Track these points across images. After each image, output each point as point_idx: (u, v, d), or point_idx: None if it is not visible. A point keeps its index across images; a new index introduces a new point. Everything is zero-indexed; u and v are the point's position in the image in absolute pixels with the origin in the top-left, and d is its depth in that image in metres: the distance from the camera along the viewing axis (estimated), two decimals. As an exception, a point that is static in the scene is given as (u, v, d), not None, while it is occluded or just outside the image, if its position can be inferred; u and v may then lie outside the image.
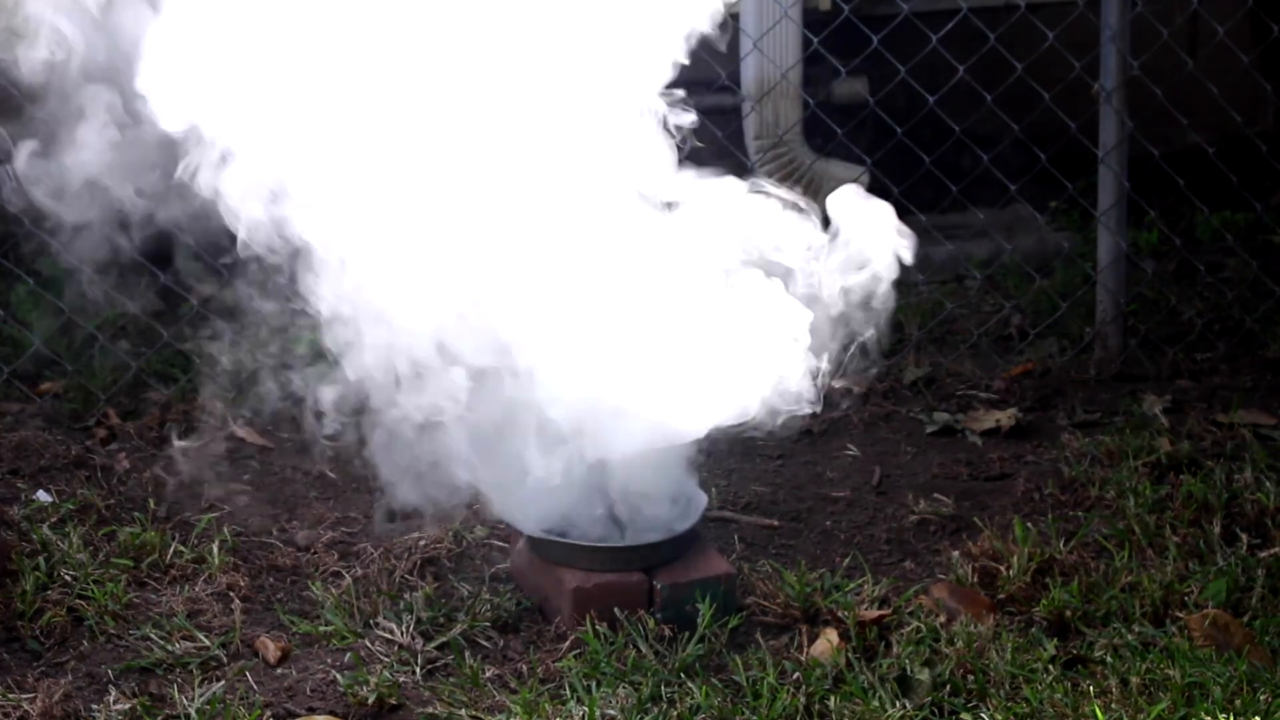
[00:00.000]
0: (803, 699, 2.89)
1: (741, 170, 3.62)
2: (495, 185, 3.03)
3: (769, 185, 3.17)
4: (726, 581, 3.19)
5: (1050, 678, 2.94)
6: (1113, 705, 2.86)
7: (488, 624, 3.16)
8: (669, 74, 3.08)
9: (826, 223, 3.19)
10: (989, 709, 2.87)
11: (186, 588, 3.26)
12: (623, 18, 3.04)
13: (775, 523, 3.69)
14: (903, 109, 4.68)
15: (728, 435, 3.36)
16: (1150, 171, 4.65)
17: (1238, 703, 2.84)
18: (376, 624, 3.14)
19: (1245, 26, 5.16)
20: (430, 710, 2.89)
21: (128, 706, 2.86)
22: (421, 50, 2.99)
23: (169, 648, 3.05)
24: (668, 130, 3.09)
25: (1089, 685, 2.92)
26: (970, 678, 2.96)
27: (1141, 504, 3.61)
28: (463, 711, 2.89)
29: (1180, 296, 4.80)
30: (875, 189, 3.34)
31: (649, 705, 2.88)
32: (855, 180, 3.92)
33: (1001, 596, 3.28)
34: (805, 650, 3.09)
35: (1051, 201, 5.32)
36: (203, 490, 3.73)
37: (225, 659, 3.03)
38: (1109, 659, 3.01)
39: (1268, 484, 3.67)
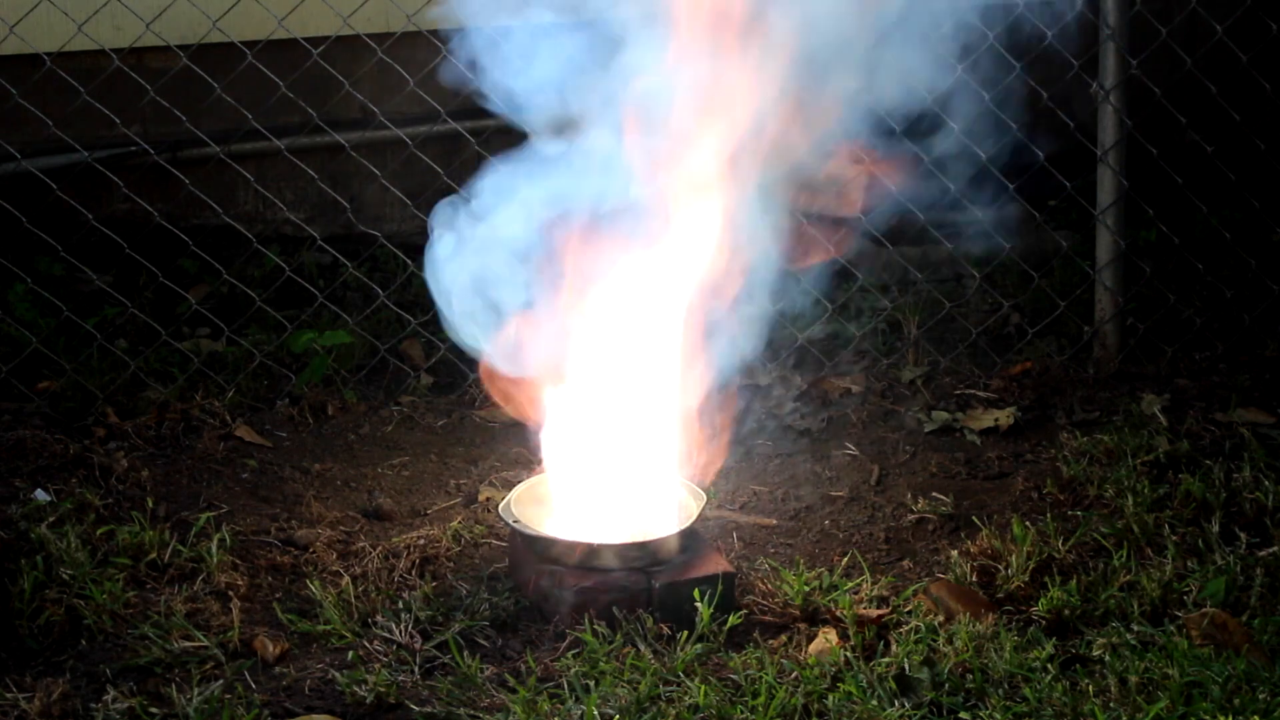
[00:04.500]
0: (801, 698, 2.89)
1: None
2: None
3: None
4: (725, 580, 3.19)
5: (1049, 677, 2.94)
6: (1111, 704, 2.86)
7: (486, 623, 3.16)
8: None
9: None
10: (988, 708, 2.87)
11: (185, 587, 3.26)
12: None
13: (774, 522, 3.69)
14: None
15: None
16: (1149, 169, 4.66)
17: (1236, 701, 2.84)
18: (375, 623, 3.14)
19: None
20: (429, 709, 2.89)
21: (126, 706, 2.86)
22: None
23: (167, 647, 3.04)
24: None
25: (1088, 684, 2.92)
26: (969, 677, 2.96)
27: (1140, 503, 3.61)
28: (461, 710, 2.88)
29: (1179, 295, 4.80)
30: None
31: (647, 704, 2.88)
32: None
33: (1000, 595, 3.28)
34: (804, 649, 3.09)
35: (1050, 200, 5.32)
36: (201, 489, 3.73)
37: (224, 658, 3.03)
38: (1108, 658, 3.01)
39: (1266, 483, 3.67)
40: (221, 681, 2.94)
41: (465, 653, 3.04)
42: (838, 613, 3.18)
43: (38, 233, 4.05)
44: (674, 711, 2.86)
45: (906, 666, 2.97)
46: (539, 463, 3.47)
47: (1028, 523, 3.52)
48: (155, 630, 3.10)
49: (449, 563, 3.41)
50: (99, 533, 3.41)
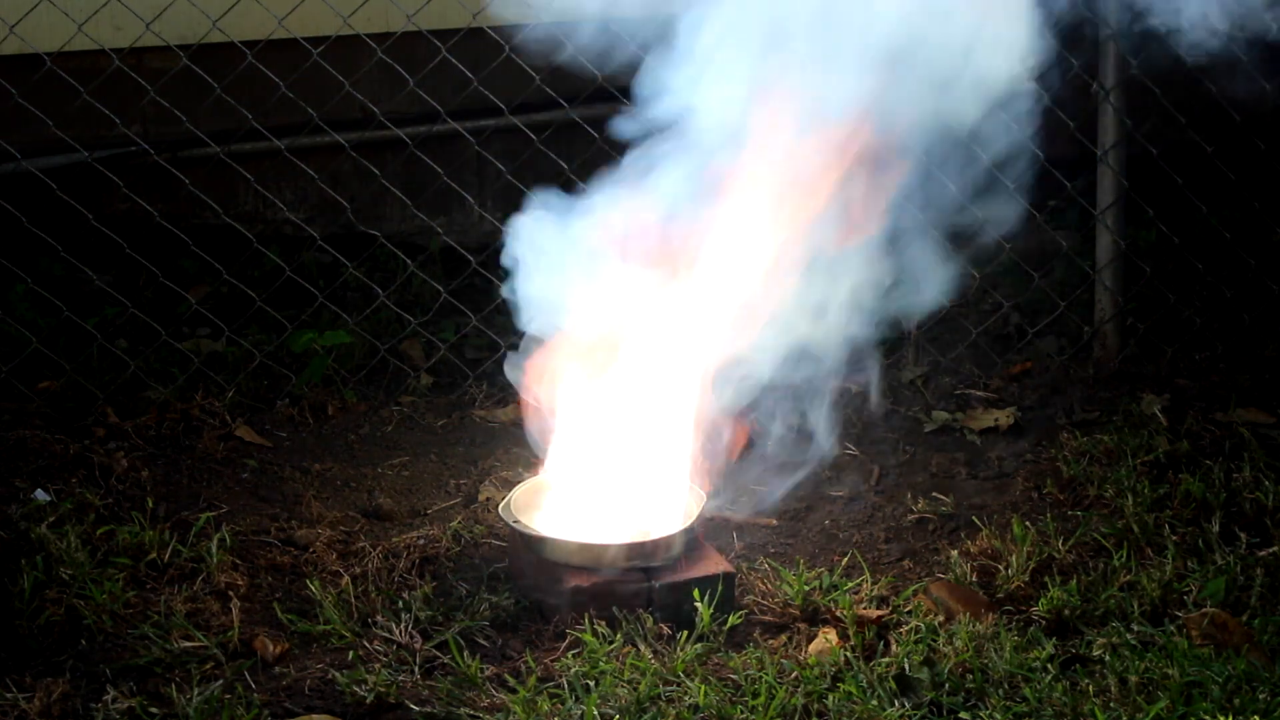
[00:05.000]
0: (801, 698, 2.89)
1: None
2: None
3: None
4: (725, 580, 3.19)
5: (1049, 677, 2.94)
6: (1111, 704, 2.86)
7: (486, 623, 3.16)
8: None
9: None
10: (988, 708, 2.87)
11: (185, 587, 3.26)
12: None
13: (774, 521, 3.69)
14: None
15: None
16: (1149, 169, 4.66)
17: (1236, 701, 2.84)
18: (375, 623, 3.14)
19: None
20: (428, 709, 2.89)
21: (126, 706, 2.86)
22: None
23: (167, 647, 3.04)
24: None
25: (1088, 684, 2.92)
26: (969, 677, 2.96)
27: (1140, 503, 3.61)
28: (461, 710, 2.88)
29: (1179, 295, 4.80)
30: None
31: (647, 704, 2.88)
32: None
33: (1000, 595, 3.28)
34: (804, 649, 3.09)
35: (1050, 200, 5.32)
36: (201, 489, 3.73)
37: (224, 658, 3.03)
38: (1108, 658, 3.01)
39: (1266, 483, 3.67)
40: (221, 681, 2.94)
41: (465, 653, 3.04)
42: (838, 613, 3.18)
43: (38, 233, 4.05)
44: (674, 711, 2.86)
45: (906, 666, 2.97)
46: (540, 461, 3.47)
47: (1028, 523, 3.52)
48: (155, 630, 3.10)
49: (449, 563, 3.41)
50: (99, 533, 3.41)
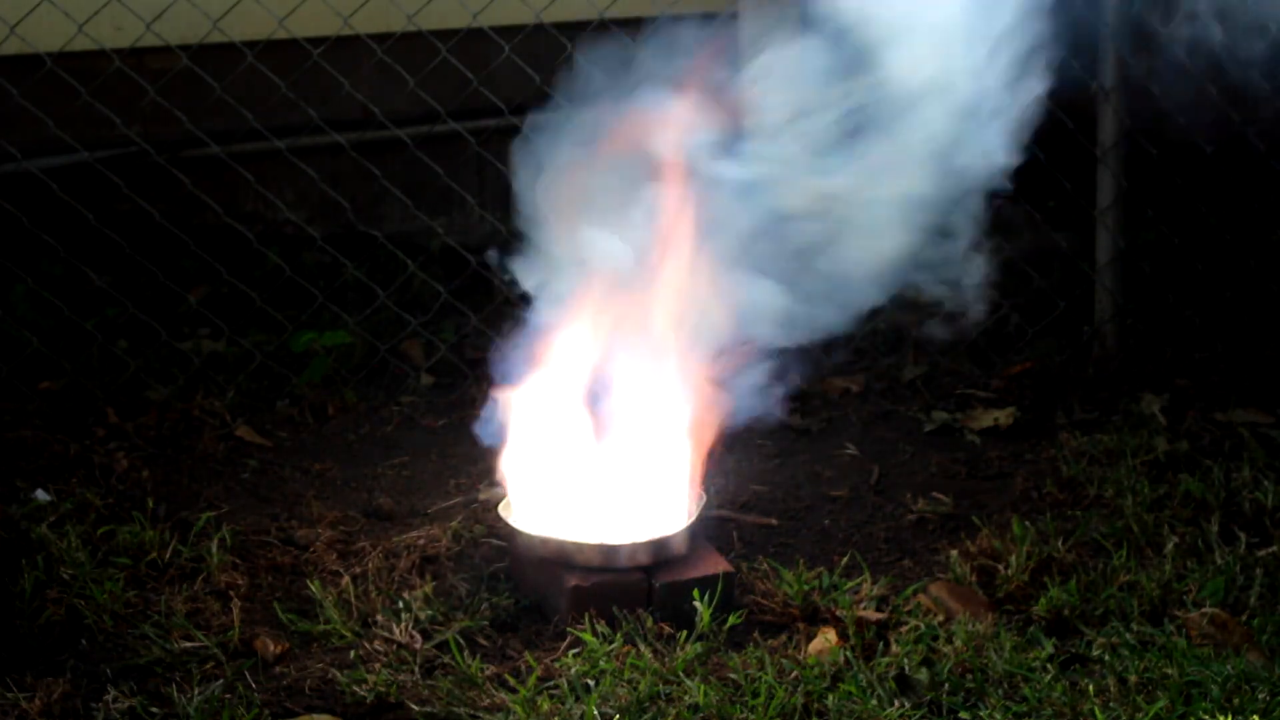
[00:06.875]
0: (801, 698, 2.89)
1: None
2: None
3: None
4: (725, 580, 3.19)
5: (1048, 676, 2.95)
6: (1111, 704, 2.86)
7: (486, 623, 3.16)
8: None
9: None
10: (987, 708, 2.87)
11: (185, 587, 3.26)
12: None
13: (774, 521, 3.69)
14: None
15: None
16: (1149, 169, 4.66)
17: (1236, 701, 2.85)
18: (375, 623, 3.14)
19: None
20: (429, 709, 2.89)
21: (126, 705, 2.86)
22: None
23: (168, 647, 3.05)
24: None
25: (1087, 684, 2.92)
26: (969, 676, 2.96)
27: (1140, 503, 3.61)
28: (461, 710, 2.89)
29: (1179, 295, 4.80)
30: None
31: (647, 704, 2.88)
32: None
33: (1000, 595, 3.28)
34: (803, 649, 3.09)
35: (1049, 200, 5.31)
36: (201, 489, 3.73)
37: (224, 658, 3.03)
38: (1107, 658, 3.01)
39: (1266, 483, 3.67)
40: (222, 681, 2.94)
41: (465, 653, 3.04)
42: (837, 612, 3.18)
43: (39, 233, 4.05)
44: (674, 711, 2.86)
45: (906, 666, 2.98)
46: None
47: (1027, 522, 3.52)
48: (155, 630, 3.10)
49: (449, 563, 3.42)
50: (99, 532, 3.41)
